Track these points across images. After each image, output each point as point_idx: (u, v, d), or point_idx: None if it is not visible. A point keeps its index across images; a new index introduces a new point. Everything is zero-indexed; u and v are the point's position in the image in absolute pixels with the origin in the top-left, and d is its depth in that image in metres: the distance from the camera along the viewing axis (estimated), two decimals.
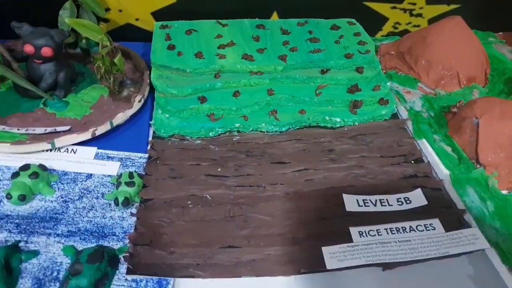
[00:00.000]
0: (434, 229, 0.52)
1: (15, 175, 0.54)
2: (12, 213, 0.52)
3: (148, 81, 0.72)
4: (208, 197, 0.56)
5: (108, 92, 0.72)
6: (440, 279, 0.49)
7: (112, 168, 0.60)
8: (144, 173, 0.58)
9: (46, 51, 0.65)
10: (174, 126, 0.66)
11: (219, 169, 0.61)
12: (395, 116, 0.71)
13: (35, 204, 0.54)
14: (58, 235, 0.50)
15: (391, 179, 0.60)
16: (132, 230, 0.51)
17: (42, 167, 0.56)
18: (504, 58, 0.84)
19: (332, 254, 0.49)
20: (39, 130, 0.63)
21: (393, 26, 0.95)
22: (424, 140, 0.65)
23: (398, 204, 0.56)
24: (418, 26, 0.95)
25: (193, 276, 0.47)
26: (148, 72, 0.74)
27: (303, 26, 0.83)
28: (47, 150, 0.60)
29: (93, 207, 0.54)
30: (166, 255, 0.48)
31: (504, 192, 0.59)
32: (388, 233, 0.52)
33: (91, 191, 0.56)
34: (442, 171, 0.61)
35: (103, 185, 0.57)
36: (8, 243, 0.48)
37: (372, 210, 0.55)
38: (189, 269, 0.47)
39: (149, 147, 0.63)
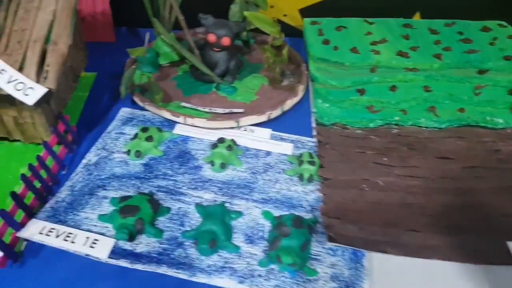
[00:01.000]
0: None
1: (214, 146, 0.65)
2: (214, 178, 0.62)
3: (306, 72, 0.80)
4: (381, 183, 0.63)
5: (268, 81, 0.81)
6: None
7: (286, 148, 0.68)
8: (317, 154, 0.66)
9: (226, 41, 0.75)
10: (336, 115, 0.73)
11: (385, 159, 0.66)
12: None
13: (229, 172, 0.64)
14: (254, 200, 0.59)
15: None
16: (317, 204, 0.59)
17: (233, 141, 0.66)
18: None
19: None
20: (220, 110, 0.73)
21: None
22: None
23: None
24: None
25: (386, 252, 0.53)
26: (304, 64, 0.82)
27: (451, 27, 0.86)
28: (231, 128, 0.70)
29: (278, 181, 0.62)
30: (357, 230, 0.55)
31: None
32: None
33: (273, 166, 0.65)
34: None
35: (281, 162, 0.65)
36: (216, 202, 0.59)
37: None
38: (381, 245, 0.54)
39: (315, 133, 0.71)
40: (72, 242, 0.51)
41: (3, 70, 0.50)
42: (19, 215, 0.53)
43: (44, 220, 0.54)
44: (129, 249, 0.52)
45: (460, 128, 0.71)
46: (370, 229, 0.56)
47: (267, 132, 0.70)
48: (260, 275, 0.51)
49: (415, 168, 0.65)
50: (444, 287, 0.51)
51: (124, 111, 0.73)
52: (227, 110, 0.73)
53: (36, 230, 0.52)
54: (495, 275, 0.51)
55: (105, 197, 0.58)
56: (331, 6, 0.95)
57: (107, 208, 0.57)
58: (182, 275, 0.50)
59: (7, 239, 0.50)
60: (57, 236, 0.51)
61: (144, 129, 0.66)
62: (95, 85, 0.80)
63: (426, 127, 0.72)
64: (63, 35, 0.54)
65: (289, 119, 0.74)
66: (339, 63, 0.77)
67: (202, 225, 0.54)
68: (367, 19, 0.89)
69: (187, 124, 0.69)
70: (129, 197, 0.56)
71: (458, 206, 0.59)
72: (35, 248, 0.52)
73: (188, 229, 0.55)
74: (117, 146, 0.66)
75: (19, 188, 0.55)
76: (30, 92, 0.50)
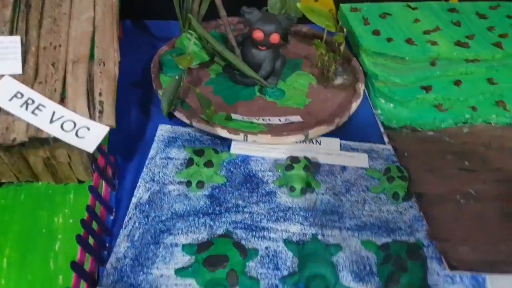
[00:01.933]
0: None
1: (289, 167, 0.55)
2: (293, 205, 0.54)
3: (361, 68, 0.73)
4: (473, 192, 0.58)
5: (315, 79, 0.73)
6: None
7: (361, 159, 0.60)
8: (397, 166, 0.59)
9: (275, 38, 0.65)
10: (405, 117, 0.67)
11: (466, 163, 0.62)
12: None
13: (308, 196, 0.55)
14: (348, 229, 0.52)
15: None
16: (416, 224, 0.53)
17: (308, 160, 0.57)
18: None
19: None
20: (275, 120, 0.64)
21: None
22: None
23: None
24: None
25: (509, 272, 0.49)
26: (355, 59, 0.74)
27: (497, 9, 0.82)
28: (299, 142, 0.61)
29: (366, 201, 0.55)
30: (471, 251, 0.50)
31: None
32: None
33: (354, 184, 0.57)
34: None
35: (361, 177, 0.58)
36: (306, 236, 0.51)
37: None
38: (500, 265, 0.49)
39: (386, 139, 0.64)
40: None
41: (41, 105, 0.37)
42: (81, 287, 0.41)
43: None
44: None
45: None
46: (482, 248, 0.51)
47: (336, 142, 0.62)
48: None
49: (500, 171, 0.61)
50: None
51: (164, 129, 0.61)
52: (283, 120, 0.64)
53: None
54: None
55: (175, 245, 0.48)
56: None
57: (182, 258, 0.47)
58: None
59: None
60: None
61: (199, 152, 0.56)
62: None
63: (497, 124, 0.68)
64: (109, 51, 0.42)
65: (352, 123, 0.66)
66: (399, 57, 0.71)
67: (306, 269, 0.46)
68: (409, 3, 0.84)
69: (247, 142, 0.60)
70: (210, 243, 0.47)
71: None
72: None
73: (286, 273, 0.47)
74: (168, 175, 0.55)
75: (59, 244, 0.45)
76: (84, 133, 0.38)
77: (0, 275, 0.43)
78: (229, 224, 0.51)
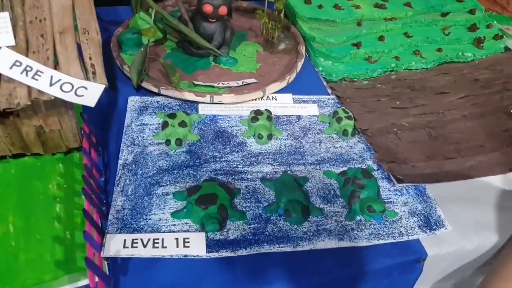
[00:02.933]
0: None
1: (254, 119, 0.63)
2: (262, 151, 0.62)
3: (300, 33, 0.82)
4: (406, 124, 0.70)
5: (261, 47, 0.81)
6: None
7: (312, 109, 0.71)
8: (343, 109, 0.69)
9: (223, 10, 0.72)
10: (342, 71, 0.78)
11: (397, 102, 0.74)
12: (507, 49, 0.89)
13: (273, 143, 0.64)
14: (310, 164, 0.62)
15: None
16: (365, 154, 0.64)
17: (269, 112, 0.65)
18: None
19: None
20: (233, 83, 0.71)
21: None
22: None
23: None
24: None
25: (440, 181, 0.61)
26: (293, 26, 0.84)
27: None
28: (256, 99, 0.69)
29: (321, 141, 0.65)
30: (411, 168, 0.62)
31: None
32: None
33: (309, 129, 0.67)
34: None
35: (314, 123, 0.68)
36: (277, 175, 0.59)
37: None
38: (433, 176, 0.62)
39: (329, 90, 0.75)
40: (164, 247, 0.47)
41: (39, 71, 0.41)
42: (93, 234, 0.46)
43: (118, 233, 0.48)
44: (222, 239, 0.50)
45: (441, 66, 0.83)
46: (419, 166, 0.63)
47: (288, 97, 0.72)
48: (352, 229, 0.54)
49: (424, 106, 0.75)
50: (492, 196, 0.61)
51: (133, 100, 0.66)
52: (240, 83, 0.72)
53: (119, 246, 0.46)
54: None
55: (166, 194, 0.54)
56: None
57: (175, 204, 0.53)
58: (287, 248, 0.51)
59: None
60: (145, 246, 0.47)
61: (172, 115, 0.62)
62: None
63: (416, 69, 0.82)
64: (90, 21, 0.46)
65: (299, 81, 0.76)
66: (330, 21, 0.82)
67: (282, 197, 0.55)
68: None
69: (213, 103, 0.67)
70: (199, 186, 0.53)
71: (470, 129, 0.71)
72: (120, 265, 0.47)
73: (266, 204, 0.56)
74: (146, 138, 0.61)
75: (59, 206, 0.49)
76: (83, 92, 0.42)
77: (9, 238, 0.46)
78: (210, 172, 0.58)
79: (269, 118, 0.65)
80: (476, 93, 0.78)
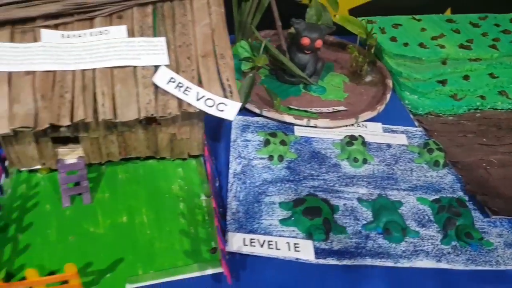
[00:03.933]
0: None
1: (349, 143, 0.70)
2: (357, 174, 0.68)
3: (385, 68, 0.89)
4: (494, 161, 0.74)
5: (347, 78, 0.89)
6: None
7: (401, 139, 0.76)
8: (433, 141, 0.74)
9: (319, 43, 0.81)
10: (428, 105, 0.84)
11: (484, 140, 0.78)
12: None
13: (367, 167, 0.69)
14: (403, 190, 0.66)
15: None
16: (456, 186, 0.68)
17: (363, 138, 0.71)
18: None
19: None
20: (324, 109, 0.78)
21: None
22: None
23: None
24: None
25: None
26: (379, 61, 0.91)
27: (485, 20, 1.03)
28: (348, 125, 0.76)
29: (412, 169, 0.70)
30: (503, 202, 0.65)
31: None
32: None
33: (400, 157, 0.72)
34: None
35: (404, 152, 0.73)
36: (372, 196, 0.64)
37: None
38: None
39: (417, 123, 0.80)
40: (277, 249, 0.53)
41: (188, 88, 0.50)
42: None
43: (236, 232, 0.54)
44: (327, 248, 0.56)
45: None
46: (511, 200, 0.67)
47: (378, 126, 0.78)
48: (449, 252, 0.58)
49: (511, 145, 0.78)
50: None
51: (237, 119, 0.74)
52: (331, 109, 0.79)
53: (239, 243, 0.53)
54: None
55: (273, 203, 0.60)
56: (371, 7, 1.07)
57: (281, 212, 0.59)
58: (388, 263, 0.55)
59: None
60: (261, 246, 0.53)
61: (273, 134, 0.69)
62: None
63: (502, 109, 0.86)
64: (226, 48, 0.55)
65: (386, 112, 0.82)
66: (416, 58, 0.89)
67: (382, 217, 0.59)
68: (413, 16, 1.03)
69: (309, 126, 0.74)
70: (303, 199, 0.60)
71: None
72: (237, 260, 0.52)
73: (365, 222, 0.60)
74: (251, 153, 0.68)
75: (182, 205, 0.56)
76: (223, 108, 0.51)
77: (145, 227, 0.54)
78: (310, 188, 0.64)
79: (363, 143, 0.71)
80: None
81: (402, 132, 0.78)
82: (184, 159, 0.63)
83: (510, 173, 0.72)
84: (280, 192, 0.62)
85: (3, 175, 0.58)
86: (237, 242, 0.53)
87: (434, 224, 0.62)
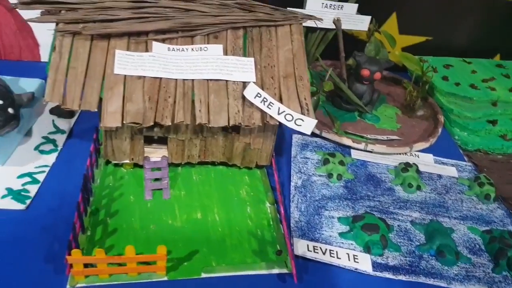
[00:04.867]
0: None
1: (404, 170, 0.74)
2: (410, 199, 0.72)
3: (437, 104, 0.95)
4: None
5: (400, 110, 0.94)
6: None
7: (451, 171, 0.80)
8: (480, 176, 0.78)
9: (378, 75, 0.87)
10: (478, 143, 0.88)
11: None
12: None
13: (419, 194, 0.74)
14: (454, 218, 0.70)
15: None
16: (506, 220, 0.71)
17: (417, 166, 0.76)
18: None
19: None
20: (379, 137, 0.84)
21: None
22: None
23: None
24: None
25: None
26: (430, 97, 0.96)
27: None
28: (401, 153, 0.81)
29: (463, 200, 0.74)
30: None
31: None
32: None
33: (450, 188, 0.76)
34: None
35: (454, 184, 0.77)
36: (424, 221, 0.68)
37: None
38: None
39: (466, 158, 0.85)
40: (338, 258, 0.57)
41: (271, 103, 0.57)
42: None
43: (300, 239, 0.59)
44: (383, 263, 0.60)
45: None
46: None
47: (430, 157, 0.83)
48: (500, 281, 0.61)
49: None
50: None
51: (297, 137, 0.81)
52: (385, 137, 0.84)
53: (304, 248, 0.57)
54: None
55: (332, 217, 0.65)
56: (422, 47, 1.14)
57: (340, 226, 0.64)
58: (441, 283, 0.58)
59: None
60: (324, 253, 0.57)
61: (332, 155, 0.75)
62: None
63: None
64: (304, 71, 0.63)
65: (437, 145, 0.86)
66: (467, 98, 0.94)
67: (435, 240, 0.63)
68: (464, 58, 1.09)
69: (366, 150, 0.79)
70: (362, 216, 0.64)
71: None
72: (300, 263, 0.57)
73: (418, 243, 0.64)
74: (310, 169, 0.74)
75: (249, 209, 0.62)
76: (301, 123, 0.57)
77: (217, 224, 0.60)
78: (366, 207, 0.69)
79: (418, 171, 0.75)
80: None
81: (452, 165, 0.82)
82: (249, 168, 0.70)
83: None
84: (339, 208, 0.67)
85: (95, 166, 0.66)
86: (302, 247, 0.58)
87: (485, 253, 0.65)
